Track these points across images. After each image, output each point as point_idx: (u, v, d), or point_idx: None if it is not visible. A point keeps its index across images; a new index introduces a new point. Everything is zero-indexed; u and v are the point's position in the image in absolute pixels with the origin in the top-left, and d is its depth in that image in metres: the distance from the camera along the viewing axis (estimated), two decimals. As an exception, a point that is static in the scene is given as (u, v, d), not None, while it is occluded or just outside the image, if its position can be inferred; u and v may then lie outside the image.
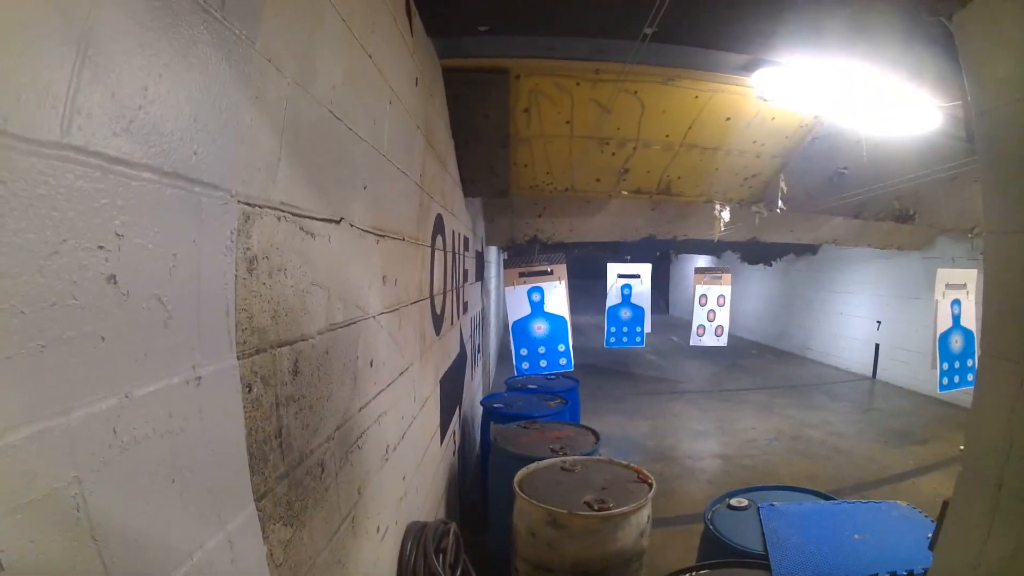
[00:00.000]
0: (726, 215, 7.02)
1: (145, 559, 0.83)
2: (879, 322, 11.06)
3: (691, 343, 9.82)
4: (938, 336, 6.81)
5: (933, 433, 7.59)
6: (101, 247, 0.73)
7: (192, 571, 0.94)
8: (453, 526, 2.74)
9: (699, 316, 9.82)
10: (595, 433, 4.55)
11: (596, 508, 3.07)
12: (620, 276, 9.25)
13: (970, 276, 6.80)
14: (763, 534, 2.91)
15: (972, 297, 6.80)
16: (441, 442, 3.79)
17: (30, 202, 0.62)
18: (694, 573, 2.63)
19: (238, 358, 1.09)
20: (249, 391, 1.14)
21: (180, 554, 0.92)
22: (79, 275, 0.69)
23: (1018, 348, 1.35)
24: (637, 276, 9.26)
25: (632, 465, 3.68)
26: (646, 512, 3.22)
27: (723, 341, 9.84)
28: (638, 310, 9.28)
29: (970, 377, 6.67)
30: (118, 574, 0.77)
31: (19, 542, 0.63)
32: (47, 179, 0.64)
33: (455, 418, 4.53)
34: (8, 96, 0.60)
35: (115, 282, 0.76)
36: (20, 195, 0.61)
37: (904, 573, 2.40)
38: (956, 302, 6.86)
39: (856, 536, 2.78)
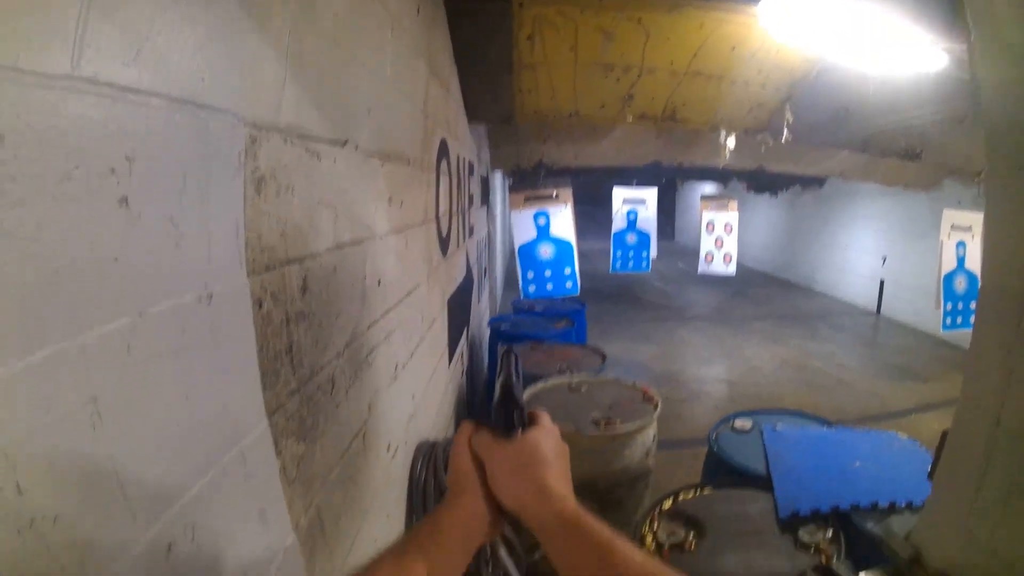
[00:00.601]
0: (731, 142, 6.94)
1: (160, 477, 0.84)
2: (884, 258, 11.00)
3: (699, 271, 9.83)
4: (942, 276, 6.79)
5: (935, 372, 7.64)
6: (112, 171, 0.73)
7: (207, 487, 0.95)
8: (462, 444, 2.78)
9: (707, 243, 9.78)
10: (601, 354, 4.58)
11: (602, 427, 3.11)
12: (626, 201, 9.17)
13: (976, 220, 6.69)
14: (766, 456, 2.95)
15: (977, 240, 6.71)
16: (449, 363, 3.82)
17: (43, 132, 0.63)
18: (698, 491, 2.67)
19: (248, 276, 1.10)
20: (260, 308, 1.14)
21: (195, 470, 0.93)
22: (91, 198, 0.70)
23: (1019, 282, 1.32)
24: (643, 201, 9.18)
25: (638, 385, 3.71)
26: (651, 432, 3.26)
27: (732, 269, 9.83)
28: (644, 235, 9.23)
29: (973, 319, 6.63)
30: (134, 493, 0.78)
31: (37, 467, 0.63)
32: (59, 110, 0.65)
33: (463, 340, 4.56)
34: (19, 35, 0.61)
35: (127, 204, 0.76)
36: (33, 127, 0.62)
37: (903, 503, 2.43)
38: (961, 244, 6.81)
39: (857, 463, 2.81)
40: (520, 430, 0.86)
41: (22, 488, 0.61)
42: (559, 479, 0.83)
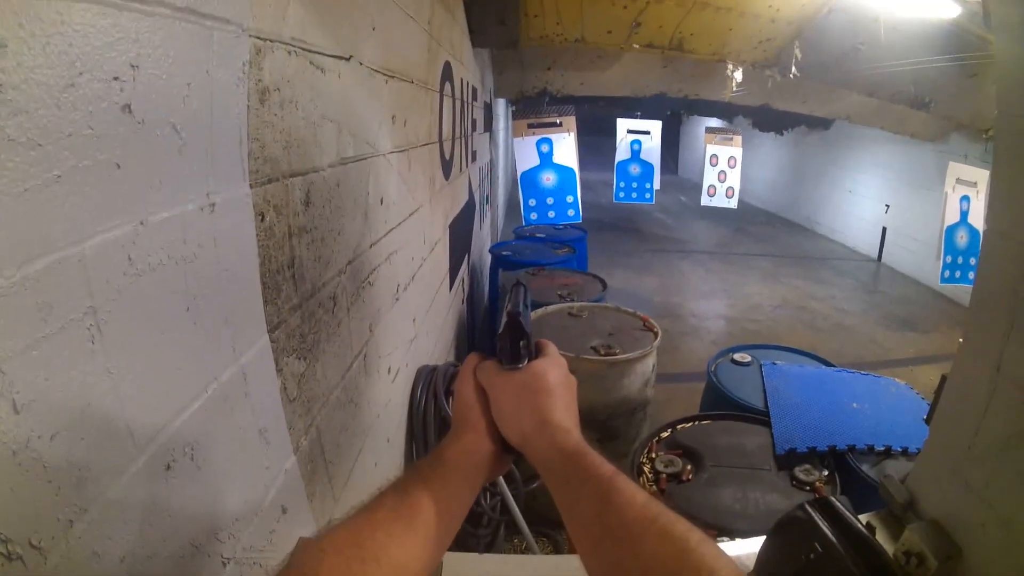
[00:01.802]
0: (738, 75, 6.89)
1: (161, 392, 0.82)
2: (887, 206, 10.85)
3: (702, 203, 9.71)
4: (944, 228, 6.73)
5: (934, 325, 7.60)
6: (116, 78, 0.72)
7: (207, 404, 0.92)
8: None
9: (710, 176, 9.63)
10: (602, 281, 4.58)
11: (603, 353, 3.10)
12: (630, 131, 9.01)
13: (982, 176, 6.60)
14: (764, 391, 2.96)
15: (982, 197, 6.63)
16: (451, 288, 3.81)
17: (47, 40, 0.61)
18: (696, 422, 2.69)
19: (251, 187, 1.07)
20: (262, 220, 1.11)
21: (195, 387, 0.90)
22: (94, 105, 0.68)
23: (1022, 231, 1.29)
24: (647, 132, 9.02)
25: (638, 313, 3.70)
26: (651, 360, 3.27)
27: (733, 203, 9.73)
28: (647, 166, 9.10)
29: (971, 275, 6.64)
30: (133, 409, 0.76)
31: (35, 380, 0.61)
32: (63, 17, 0.63)
33: (464, 266, 4.54)
34: None
35: (130, 111, 0.74)
36: (37, 34, 0.60)
37: (899, 448, 2.44)
38: (965, 198, 6.74)
39: (855, 405, 2.81)
40: (526, 361, 0.83)
41: (18, 406, 0.59)
42: (564, 411, 0.80)
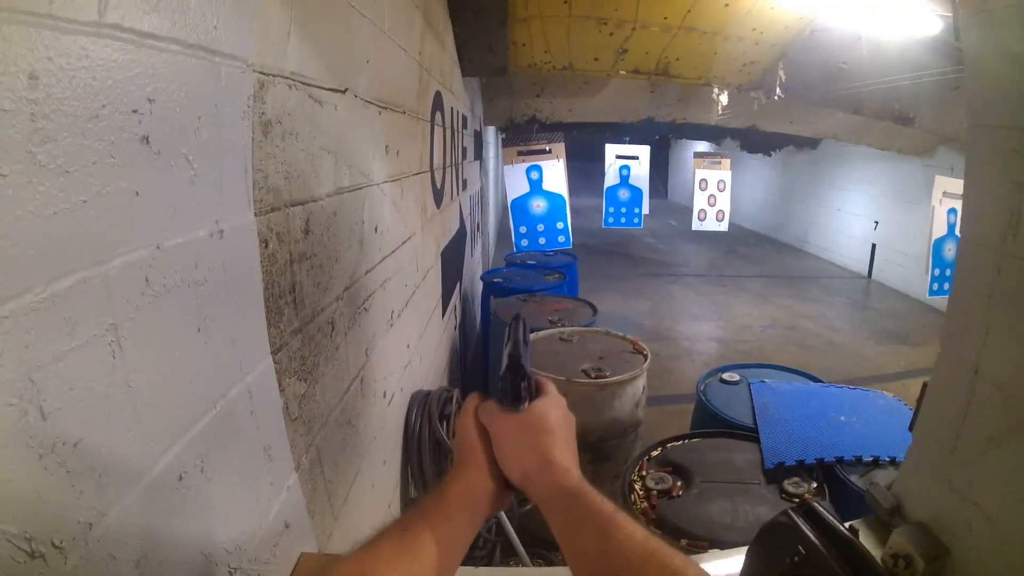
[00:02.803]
0: (724, 99, 6.98)
1: (174, 406, 0.87)
2: (876, 222, 10.96)
3: (693, 227, 9.81)
4: (932, 242, 6.80)
5: (925, 338, 7.62)
6: (135, 111, 0.78)
7: (217, 419, 0.97)
8: (456, 392, 2.82)
9: (700, 200, 9.74)
10: (592, 306, 4.61)
11: (593, 376, 3.15)
12: (618, 157, 9.11)
13: None
14: (753, 408, 2.99)
15: None
16: (443, 315, 3.85)
17: (74, 73, 0.67)
18: (686, 440, 2.73)
19: (255, 215, 1.13)
20: (266, 246, 1.17)
21: (206, 402, 0.96)
22: (116, 136, 0.74)
23: (996, 235, 1.33)
24: (636, 157, 9.13)
25: (628, 337, 3.75)
26: (641, 382, 3.31)
27: (724, 226, 9.83)
28: (636, 191, 9.20)
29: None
30: (150, 420, 0.80)
31: (60, 391, 0.65)
32: (87, 53, 0.69)
33: (456, 293, 4.58)
34: None
35: (148, 142, 0.80)
36: (65, 68, 0.66)
37: (887, 458, 2.48)
38: (953, 211, 6.78)
39: (842, 418, 2.85)
40: (527, 402, 0.85)
41: (45, 413, 0.63)
42: (564, 450, 0.82)
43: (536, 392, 0.88)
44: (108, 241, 0.73)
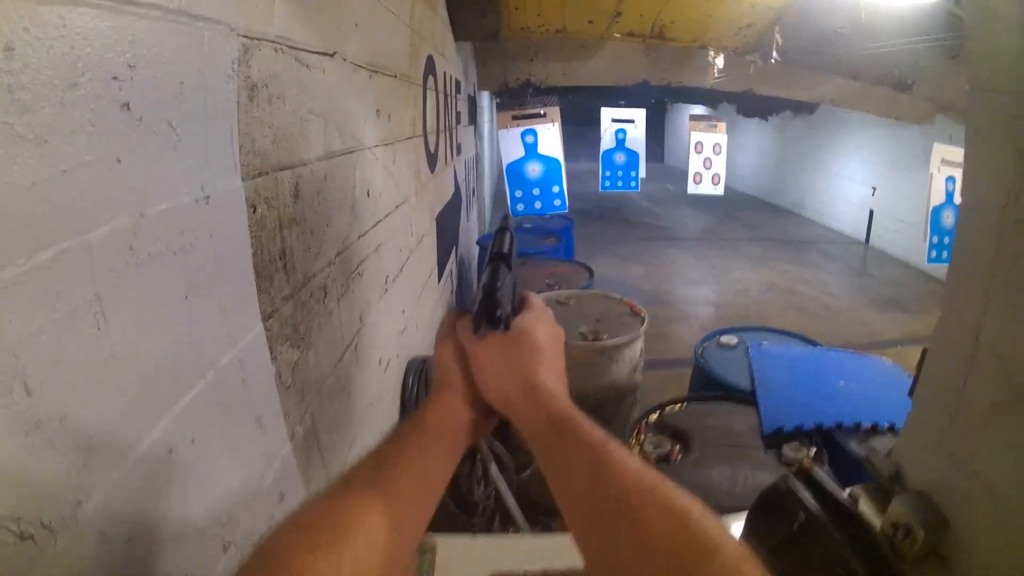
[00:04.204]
0: (720, 62, 6.92)
1: (162, 377, 0.85)
2: (874, 188, 10.93)
3: (688, 191, 9.71)
4: (930, 209, 6.77)
5: (922, 306, 7.67)
6: (115, 78, 0.75)
7: (207, 389, 0.95)
8: (452, 359, 2.79)
9: (695, 164, 9.62)
10: (589, 269, 4.61)
11: (590, 339, 3.13)
12: (614, 120, 9.00)
13: None
14: (751, 372, 2.99)
15: None
16: (439, 280, 3.83)
17: (51, 43, 0.65)
18: (684, 404, 2.72)
19: (243, 180, 1.11)
20: (254, 212, 1.14)
21: (195, 372, 0.93)
22: (96, 103, 0.72)
23: (998, 201, 1.31)
24: (632, 121, 9.01)
25: (625, 299, 3.73)
26: (639, 345, 3.30)
27: (720, 190, 9.74)
28: (632, 154, 9.09)
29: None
30: (136, 392, 0.78)
31: (45, 364, 0.64)
32: (65, 21, 0.67)
33: (452, 258, 4.56)
34: None
35: (128, 108, 0.78)
36: (42, 38, 0.64)
37: (886, 425, 2.48)
38: (951, 179, 6.72)
39: (841, 383, 2.85)
40: (506, 321, 0.75)
41: (30, 388, 0.61)
42: (550, 372, 0.73)
43: (519, 306, 0.80)
44: (90, 210, 0.71)
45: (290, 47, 1.35)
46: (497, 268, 0.79)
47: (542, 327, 0.77)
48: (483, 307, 0.74)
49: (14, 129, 0.60)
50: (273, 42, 1.25)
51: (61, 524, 0.64)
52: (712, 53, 6.70)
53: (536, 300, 0.82)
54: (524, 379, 0.72)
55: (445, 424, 0.73)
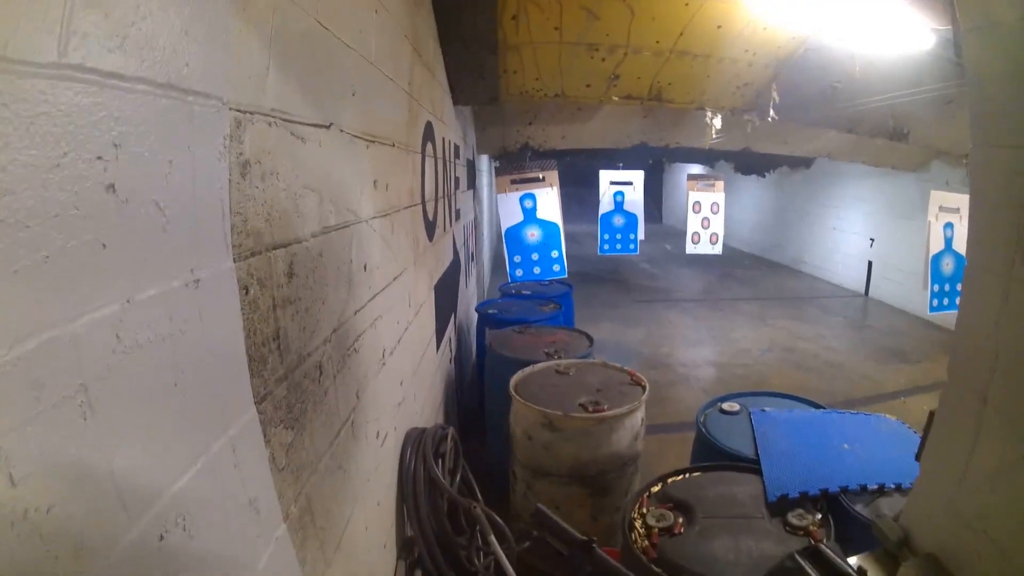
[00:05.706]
0: (718, 122, 7.04)
1: (152, 465, 0.84)
2: (872, 239, 11.01)
3: (687, 251, 9.82)
4: (930, 257, 6.80)
5: (925, 354, 7.62)
6: (100, 158, 0.75)
7: (197, 476, 0.94)
8: (451, 431, 2.78)
9: (693, 223, 9.75)
10: (589, 337, 4.58)
11: (591, 410, 3.11)
12: (612, 183, 9.15)
13: (963, 200, 6.68)
14: (754, 439, 2.95)
15: (965, 222, 6.71)
16: (437, 349, 3.82)
17: (32, 120, 0.64)
18: (687, 475, 2.68)
19: (234, 260, 1.10)
20: (246, 293, 1.14)
21: (186, 459, 0.93)
22: (79, 185, 0.71)
23: (1003, 261, 1.32)
24: (630, 183, 9.17)
25: (626, 368, 3.71)
26: (640, 415, 3.27)
27: (718, 249, 9.84)
28: (631, 217, 9.22)
29: (959, 300, 6.66)
30: (125, 482, 0.78)
31: (30, 455, 0.64)
32: (47, 97, 0.66)
33: (450, 325, 4.56)
34: (6, 24, 0.61)
35: (114, 190, 0.77)
36: (22, 115, 0.63)
37: (892, 485, 2.44)
38: (949, 225, 6.80)
39: (845, 446, 2.81)
40: None
41: (15, 479, 0.61)
42: None
43: None
44: (74, 297, 0.71)
45: (284, 119, 1.34)
46: None
47: None
48: None
49: None
50: (267, 115, 1.25)
51: (51, 615, 0.63)
52: (710, 113, 6.81)
53: None
54: None
55: None
